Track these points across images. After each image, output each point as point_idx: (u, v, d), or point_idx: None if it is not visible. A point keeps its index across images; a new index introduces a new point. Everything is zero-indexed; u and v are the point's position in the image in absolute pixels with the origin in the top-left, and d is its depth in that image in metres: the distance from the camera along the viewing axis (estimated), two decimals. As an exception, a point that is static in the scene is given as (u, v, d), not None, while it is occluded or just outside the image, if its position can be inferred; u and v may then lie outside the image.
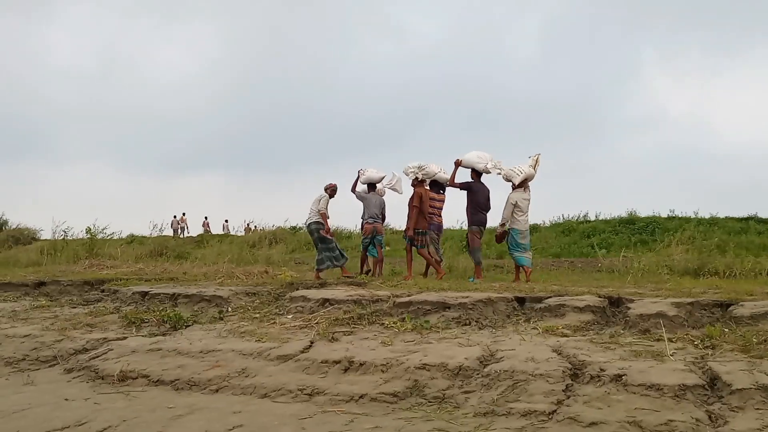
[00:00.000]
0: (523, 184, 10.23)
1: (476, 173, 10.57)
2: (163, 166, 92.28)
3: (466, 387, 4.75)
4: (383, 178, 11.61)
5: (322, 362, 5.43)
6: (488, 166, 10.41)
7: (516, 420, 4.08)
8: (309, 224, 10.98)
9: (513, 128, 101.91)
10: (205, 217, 38.12)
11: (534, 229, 26.10)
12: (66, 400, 5.03)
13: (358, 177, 11.68)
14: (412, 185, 10.70)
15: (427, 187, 10.98)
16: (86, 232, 17.91)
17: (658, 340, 5.46)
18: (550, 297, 6.88)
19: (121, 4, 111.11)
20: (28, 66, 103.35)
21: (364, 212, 11.55)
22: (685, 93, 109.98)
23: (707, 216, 25.95)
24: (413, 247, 10.62)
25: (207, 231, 36.27)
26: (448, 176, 10.75)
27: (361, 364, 5.28)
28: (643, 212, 26.76)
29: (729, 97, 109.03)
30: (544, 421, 4.03)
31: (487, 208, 10.58)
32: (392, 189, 11.80)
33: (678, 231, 18.03)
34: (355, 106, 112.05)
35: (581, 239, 23.85)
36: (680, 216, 26.22)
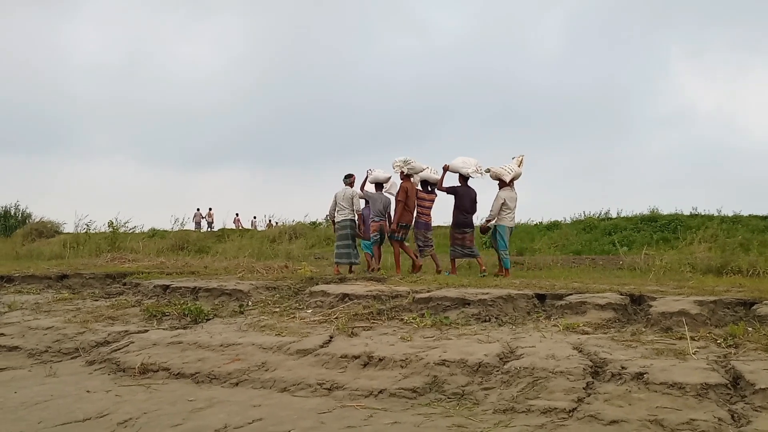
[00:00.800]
0: (512, 183, 10.71)
1: (463, 178, 10.99)
2: (186, 161, 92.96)
3: (486, 384, 4.73)
4: (389, 178, 11.87)
5: (341, 357, 5.44)
6: (470, 171, 10.85)
7: (536, 417, 4.06)
8: (344, 220, 11.15)
9: (535, 124, 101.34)
10: (237, 214, 38.37)
11: (555, 225, 25.99)
12: (88, 392, 5.08)
13: (366, 177, 11.99)
14: (401, 179, 11.01)
15: (418, 187, 11.44)
16: (108, 226, 18.05)
17: (681, 338, 5.41)
18: (571, 294, 6.83)
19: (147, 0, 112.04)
20: (54, 61, 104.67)
21: (371, 211, 11.78)
22: (712, 89, 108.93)
23: (730, 214, 25.62)
24: (390, 239, 11.02)
25: (239, 227, 36.41)
26: (437, 176, 11.20)
27: (380, 360, 5.28)
28: (666, 210, 26.51)
29: (756, 93, 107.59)
30: (564, 418, 4.00)
31: (473, 210, 11.08)
32: (388, 194, 11.98)
33: (700, 229, 17.81)
34: (377, 102, 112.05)
35: (602, 236, 23.65)
36: (703, 214, 25.91)
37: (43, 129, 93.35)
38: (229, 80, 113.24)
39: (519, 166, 10.78)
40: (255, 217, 37.61)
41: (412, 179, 11.04)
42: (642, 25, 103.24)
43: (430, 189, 11.44)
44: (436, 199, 11.52)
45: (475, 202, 11.07)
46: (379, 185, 11.85)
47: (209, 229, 34.94)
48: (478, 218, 12.02)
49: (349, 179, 11.37)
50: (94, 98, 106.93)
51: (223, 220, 38.31)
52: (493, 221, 10.60)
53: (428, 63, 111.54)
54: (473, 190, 11.04)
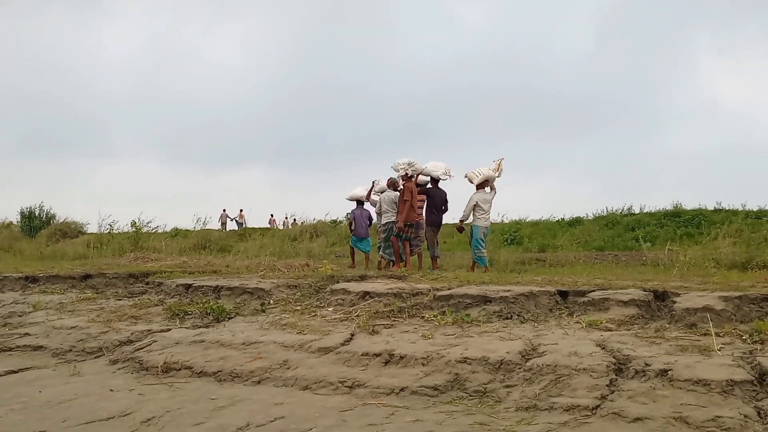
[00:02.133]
0: (484, 185, 11.55)
1: (434, 180, 11.99)
2: (209, 160, 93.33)
3: (508, 381, 4.71)
4: (364, 195, 13.34)
5: (362, 355, 5.44)
6: (439, 174, 11.83)
7: (559, 415, 4.04)
8: (388, 222, 11.94)
9: (559, 119, 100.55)
10: (271, 215, 38.61)
11: (577, 222, 25.84)
12: (111, 390, 5.12)
13: (372, 187, 13.36)
14: (402, 181, 11.61)
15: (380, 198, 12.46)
16: (131, 226, 18.18)
17: (705, 334, 5.34)
18: (593, 290, 6.78)
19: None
20: (83, 59, 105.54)
21: (377, 218, 12.95)
22: (740, 83, 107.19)
23: (755, 208, 25.31)
24: (397, 237, 11.53)
25: (274, 227, 36.58)
26: (427, 179, 12.12)
27: (401, 357, 5.28)
28: (689, 205, 26.27)
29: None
30: (587, 416, 3.97)
31: (443, 210, 12.10)
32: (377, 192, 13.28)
33: (725, 224, 17.65)
34: (401, 99, 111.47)
35: (625, 232, 23.49)
36: (727, 209, 25.62)
37: (70, 128, 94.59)
38: (254, 79, 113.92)
39: (496, 170, 11.53)
40: (287, 217, 37.82)
41: (414, 179, 11.62)
42: (671, 19, 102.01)
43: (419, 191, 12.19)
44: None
45: (446, 201, 12.07)
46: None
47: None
48: (453, 218, 13.28)
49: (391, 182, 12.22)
50: (121, 97, 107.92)
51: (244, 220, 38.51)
52: (467, 221, 11.50)
53: (454, 58, 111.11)
54: (444, 191, 12.03)
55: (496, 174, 11.54)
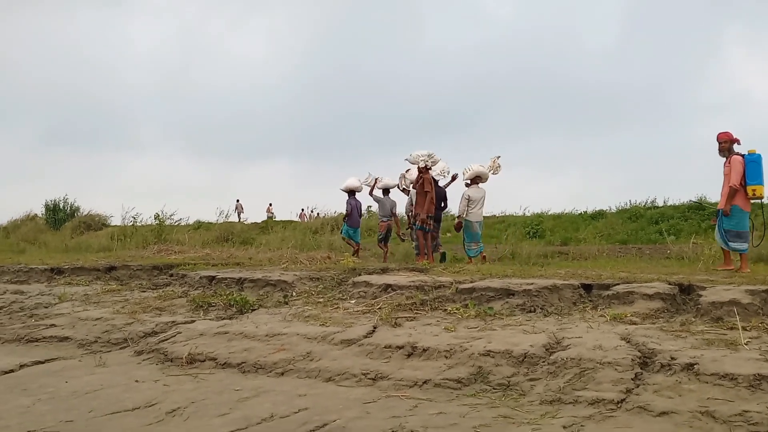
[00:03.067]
0: (476, 181, 11.97)
1: (433, 179, 12.17)
2: (232, 153, 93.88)
3: (532, 374, 4.69)
4: (397, 185, 13.74)
5: (385, 347, 5.44)
6: (436, 173, 12.27)
7: (583, 408, 4.01)
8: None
9: (585, 111, 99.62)
10: (302, 209, 38.76)
11: (600, 215, 25.61)
12: (136, 381, 5.16)
13: (375, 183, 13.90)
14: (419, 172, 11.67)
15: (411, 188, 12.77)
16: (155, 219, 18.33)
17: (732, 328, 5.28)
18: (618, 284, 6.73)
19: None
20: (110, 52, 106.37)
21: (379, 212, 14.27)
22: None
23: (782, 202, 24.98)
24: (421, 230, 11.68)
25: (304, 221, 36.70)
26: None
27: (424, 350, 5.27)
28: (714, 198, 25.93)
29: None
30: (612, 409, 3.95)
31: (443, 207, 13.12)
32: (367, 186, 14.09)
33: (750, 217, 17.39)
34: (425, 92, 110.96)
35: (649, 225, 23.25)
36: (752, 202, 25.31)
37: (96, 121, 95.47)
38: (278, 71, 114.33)
39: (491, 167, 12.09)
40: (312, 210, 37.89)
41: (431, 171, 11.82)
42: (700, 10, 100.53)
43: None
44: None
45: (445, 199, 12.91)
46: (386, 190, 13.91)
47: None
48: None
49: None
50: (147, 90, 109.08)
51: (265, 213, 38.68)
52: (463, 216, 11.85)
53: (479, 48, 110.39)
54: (443, 189, 12.67)
55: (491, 171, 12.09)
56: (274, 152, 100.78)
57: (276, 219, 34.65)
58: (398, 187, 13.76)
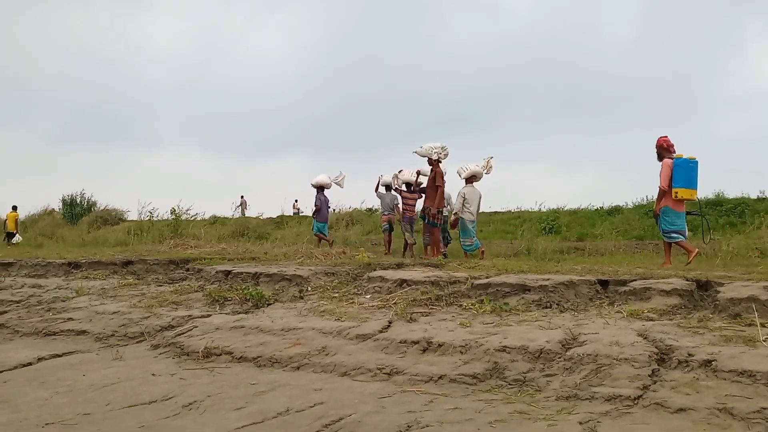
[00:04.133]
0: (472, 180, 12.22)
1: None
2: (250, 148, 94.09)
3: (548, 370, 4.67)
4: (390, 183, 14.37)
5: (400, 342, 5.44)
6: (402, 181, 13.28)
7: (600, 404, 3.99)
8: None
9: (604, 105, 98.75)
10: (296, 200, 38.90)
11: (616, 210, 25.48)
12: (153, 375, 5.20)
13: (379, 181, 14.69)
14: (429, 165, 11.94)
15: (404, 188, 13.79)
16: (171, 213, 18.42)
17: (750, 325, 5.23)
18: (634, 280, 6.68)
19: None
20: (128, 48, 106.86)
21: (381, 207, 15.08)
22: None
23: (801, 198, 24.70)
24: (431, 225, 11.90)
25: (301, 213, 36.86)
26: (416, 178, 13.26)
27: (439, 345, 5.27)
28: (732, 194, 25.71)
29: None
30: (629, 406, 3.93)
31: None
32: (336, 184, 15.24)
33: (705, 216, 17.25)
34: (442, 86, 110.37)
35: (666, 221, 23.11)
36: (772, 197, 25.07)
37: (114, 116, 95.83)
38: (296, 66, 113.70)
39: (485, 167, 12.31)
40: (296, 201, 37.96)
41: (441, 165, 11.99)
42: (721, 4, 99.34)
43: (412, 189, 13.50)
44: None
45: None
46: (387, 187, 14.54)
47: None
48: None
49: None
50: (166, 85, 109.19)
51: (282, 208, 38.76)
52: (459, 213, 12.02)
53: (498, 46, 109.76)
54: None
55: (485, 171, 12.31)
56: (292, 147, 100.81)
57: (303, 215, 34.79)
58: (392, 187, 14.33)
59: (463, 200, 11.95)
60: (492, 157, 12.46)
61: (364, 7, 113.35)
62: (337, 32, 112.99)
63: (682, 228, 9.27)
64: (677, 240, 9.22)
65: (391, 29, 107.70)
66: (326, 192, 15.50)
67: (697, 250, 9.04)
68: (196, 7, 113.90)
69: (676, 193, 9.02)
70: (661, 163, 9.23)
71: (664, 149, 9.33)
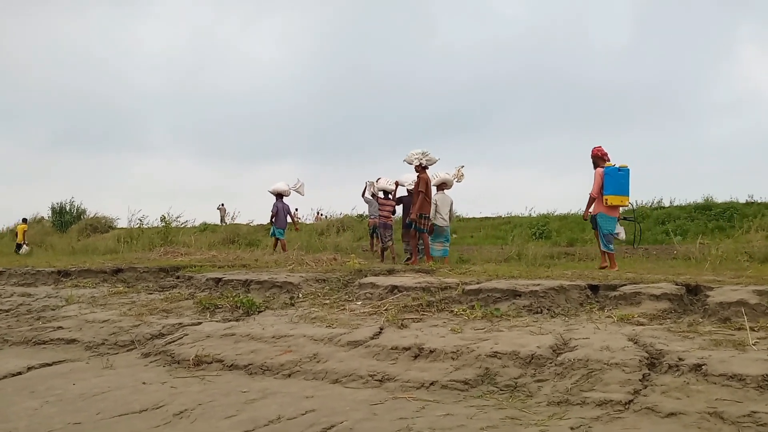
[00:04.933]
0: (442, 187, 12.70)
1: (407, 190, 13.57)
2: (242, 155, 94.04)
3: (539, 375, 4.68)
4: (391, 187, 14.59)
5: (391, 349, 5.43)
6: (408, 184, 13.41)
7: (591, 409, 4.00)
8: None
9: (595, 110, 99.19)
10: (318, 211, 38.85)
11: (605, 215, 25.54)
12: (143, 383, 5.17)
13: (365, 187, 15.49)
14: (416, 171, 12.00)
15: (381, 195, 14.22)
16: (161, 221, 18.38)
17: (740, 329, 5.26)
18: (624, 285, 6.71)
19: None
20: (120, 54, 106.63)
21: (369, 211, 16.38)
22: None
23: (789, 202, 24.87)
24: (416, 230, 11.95)
25: (320, 220, 36.76)
26: (392, 187, 13.88)
27: (431, 351, 5.26)
28: (720, 198, 25.88)
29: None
30: (620, 410, 3.94)
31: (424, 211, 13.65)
32: (296, 191, 16.01)
33: (757, 217, 17.38)
34: (435, 92, 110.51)
35: (655, 226, 23.25)
36: (759, 201, 25.23)
37: (105, 123, 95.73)
38: (289, 73, 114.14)
39: (456, 176, 12.80)
40: (297, 209, 37.94)
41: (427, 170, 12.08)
42: (712, 9, 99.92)
43: (390, 197, 13.99)
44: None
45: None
46: (373, 194, 15.05)
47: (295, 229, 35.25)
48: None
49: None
50: (157, 92, 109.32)
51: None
52: (432, 220, 12.20)
53: (489, 53, 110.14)
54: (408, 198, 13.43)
55: (455, 179, 12.78)
56: (284, 154, 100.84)
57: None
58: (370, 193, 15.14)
59: (435, 207, 12.20)
60: (463, 166, 12.96)
61: (357, 14, 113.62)
62: (330, 39, 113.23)
63: (615, 232, 9.85)
64: (611, 251, 9.80)
65: (383, 36, 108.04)
66: (285, 199, 16.14)
67: (616, 268, 9.36)
68: (188, 14, 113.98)
69: (606, 200, 9.56)
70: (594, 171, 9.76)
71: (598, 158, 9.91)
